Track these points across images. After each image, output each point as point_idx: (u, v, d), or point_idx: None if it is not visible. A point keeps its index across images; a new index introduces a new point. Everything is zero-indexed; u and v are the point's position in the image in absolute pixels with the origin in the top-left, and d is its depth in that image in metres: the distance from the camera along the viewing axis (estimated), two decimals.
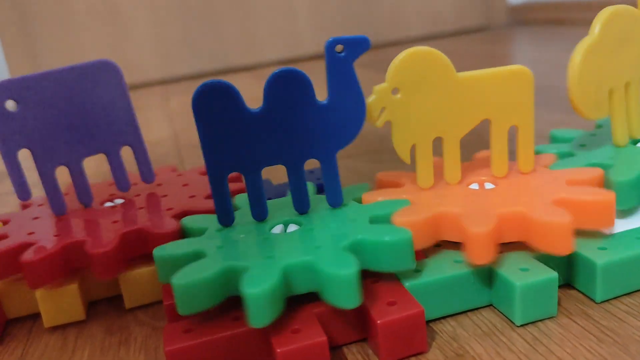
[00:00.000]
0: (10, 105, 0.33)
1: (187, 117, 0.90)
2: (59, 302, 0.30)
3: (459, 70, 0.30)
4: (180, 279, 0.23)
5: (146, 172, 0.37)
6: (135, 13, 1.45)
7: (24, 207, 0.39)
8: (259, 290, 0.22)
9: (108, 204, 0.36)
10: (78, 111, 0.34)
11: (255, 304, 0.22)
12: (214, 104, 0.26)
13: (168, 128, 0.84)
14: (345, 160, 0.54)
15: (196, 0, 1.48)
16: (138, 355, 0.27)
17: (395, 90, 0.29)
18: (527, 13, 1.67)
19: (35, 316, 0.32)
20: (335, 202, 0.29)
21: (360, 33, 1.61)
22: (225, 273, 0.24)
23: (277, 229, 0.28)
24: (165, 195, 0.36)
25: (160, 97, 1.22)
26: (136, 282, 0.31)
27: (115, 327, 0.30)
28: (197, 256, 0.26)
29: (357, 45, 0.28)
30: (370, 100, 0.29)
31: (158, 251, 0.27)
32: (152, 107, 1.07)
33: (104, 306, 0.32)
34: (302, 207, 0.29)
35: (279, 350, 0.22)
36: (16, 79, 0.33)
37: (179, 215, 0.33)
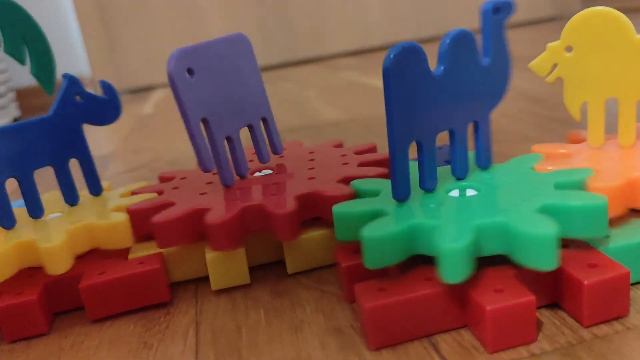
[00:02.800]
0: (189, 73, 0.33)
1: (275, 102, 0.91)
2: (227, 266, 0.30)
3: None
4: (370, 232, 0.24)
5: (277, 144, 0.37)
6: (210, 7, 1.47)
7: (163, 180, 0.40)
8: (456, 245, 0.22)
9: (258, 174, 0.37)
10: (231, 82, 0.35)
11: (451, 259, 0.22)
12: (406, 68, 0.26)
13: None
14: None
15: None
16: (316, 315, 0.27)
17: (568, 48, 0.29)
18: (602, 2, 1.61)
19: (197, 280, 0.33)
20: (487, 163, 0.29)
21: (431, 24, 1.59)
22: (413, 230, 0.24)
23: (454, 193, 0.28)
24: (312, 167, 0.36)
25: None
26: (300, 247, 0.31)
27: (281, 291, 0.30)
28: (377, 215, 0.26)
29: (509, 8, 0.29)
30: (541, 56, 0.29)
31: (338, 208, 0.27)
32: None
33: (262, 272, 0.32)
34: (464, 172, 0.29)
35: (488, 308, 0.22)
36: (189, 47, 0.32)
37: (302, 197, 0.31)
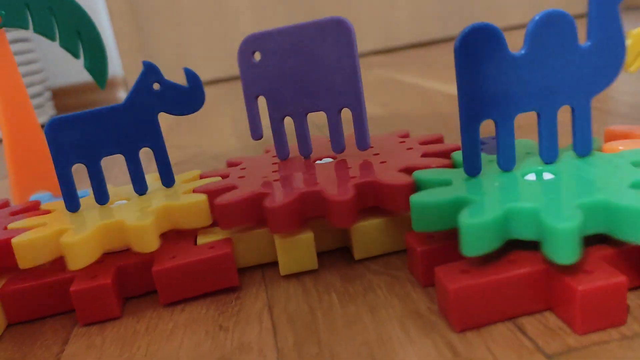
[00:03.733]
0: (256, 56, 0.35)
1: None
2: (295, 251, 0.30)
3: None
4: (469, 218, 0.23)
5: (361, 139, 0.36)
6: (240, 7, 1.48)
7: (267, 151, 0.42)
8: (571, 224, 0.22)
9: (318, 162, 0.37)
10: (308, 67, 0.35)
11: (567, 239, 0.22)
12: (479, 46, 0.26)
13: None
14: None
15: None
16: (391, 299, 0.27)
17: None
18: None
19: (262, 266, 0.33)
20: (586, 150, 0.28)
21: (459, 22, 1.58)
22: (511, 214, 0.24)
23: (531, 177, 0.28)
24: (377, 154, 0.36)
25: None
26: (367, 233, 0.31)
27: (351, 276, 0.30)
28: (459, 203, 0.26)
29: None
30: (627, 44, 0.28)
31: (416, 198, 0.27)
32: None
33: (327, 258, 0.32)
34: (552, 156, 0.28)
35: (580, 289, 0.22)
36: (261, 33, 0.35)
37: (361, 186, 0.31)
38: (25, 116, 0.45)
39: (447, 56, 1.23)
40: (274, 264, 0.33)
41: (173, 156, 0.67)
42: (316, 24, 0.34)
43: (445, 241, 0.27)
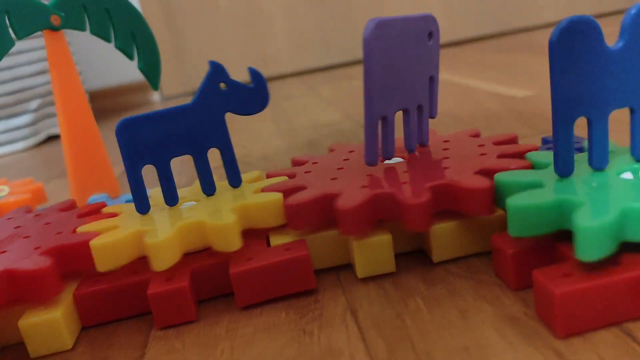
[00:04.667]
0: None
1: (346, 102, 0.91)
2: (373, 254, 0.30)
3: None
4: (587, 221, 0.22)
5: (424, 135, 0.36)
6: (273, 9, 1.48)
7: (331, 150, 0.41)
8: (592, 224, 0.21)
9: (388, 161, 0.36)
10: (406, 62, 0.33)
11: (588, 237, 0.21)
12: (577, 40, 0.25)
13: (335, 111, 0.84)
14: None
15: None
16: (480, 304, 0.26)
17: None
18: None
19: (335, 268, 0.32)
20: None
21: (493, 21, 1.56)
22: (561, 204, 0.24)
23: (627, 176, 0.27)
24: (439, 162, 0.35)
25: (305, 87, 1.23)
26: (446, 235, 0.30)
27: (433, 279, 0.29)
28: (563, 205, 0.25)
29: None
30: None
31: (514, 201, 0.25)
32: (304, 96, 1.09)
33: (403, 260, 0.32)
34: None
35: None
36: (389, 19, 0.31)
37: (437, 188, 0.30)
38: (84, 118, 0.45)
39: (482, 55, 1.21)
40: (347, 266, 0.32)
41: (218, 157, 0.67)
42: (423, 19, 0.33)
43: (537, 243, 0.26)
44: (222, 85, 0.33)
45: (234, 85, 0.34)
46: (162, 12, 1.43)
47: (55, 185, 0.70)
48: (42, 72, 1.10)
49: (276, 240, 0.32)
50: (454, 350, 0.23)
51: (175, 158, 0.34)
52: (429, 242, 0.30)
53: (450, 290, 0.28)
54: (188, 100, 1.39)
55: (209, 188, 0.34)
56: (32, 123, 1.09)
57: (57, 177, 0.75)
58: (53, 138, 1.16)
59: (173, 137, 0.33)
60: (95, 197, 0.47)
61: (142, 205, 0.33)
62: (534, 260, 0.26)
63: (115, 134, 0.32)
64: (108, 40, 0.47)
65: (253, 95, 0.34)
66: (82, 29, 0.46)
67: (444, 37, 1.55)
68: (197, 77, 1.47)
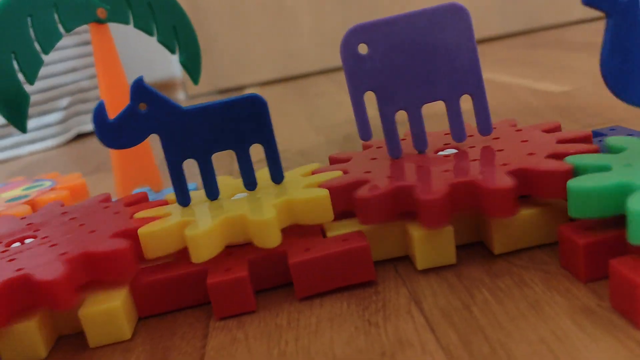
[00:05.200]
0: (362, 48, 0.33)
1: None
2: (434, 245, 0.29)
3: None
4: (577, 182, 0.24)
5: (484, 124, 0.35)
6: (299, 6, 1.48)
7: (365, 147, 0.40)
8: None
9: (441, 152, 0.35)
10: (423, 56, 0.34)
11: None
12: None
13: (369, 108, 0.84)
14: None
15: None
16: (551, 295, 0.25)
17: None
18: None
19: (392, 260, 0.31)
20: None
21: (520, 17, 1.54)
22: (620, 188, 0.24)
23: None
24: (501, 150, 0.34)
25: (334, 84, 1.22)
26: (508, 226, 0.29)
27: (497, 271, 0.28)
28: (622, 188, 0.24)
29: None
30: None
31: (575, 183, 0.25)
32: (336, 93, 1.08)
33: (462, 252, 0.31)
34: None
35: None
36: (368, 23, 0.33)
37: (514, 173, 0.29)
38: None
39: (512, 51, 1.20)
40: (403, 258, 0.32)
41: (257, 151, 0.67)
42: (431, 12, 0.33)
43: (608, 232, 0.25)
44: None
45: None
46: (190, 9, 1.44)
47: (90, 181, 0.70)
48: (73, 70, 1.11)
49: (332, 231, 0.31)
50: (530, 342, 0.22)
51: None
52: (490, 233, 0.30)
53: (517, 281, 0.27)
54: (214, 99, 1.39)
55: (251, 183, 0.34)
56: (63, 121, 1.10)
57: (91, 173, 0.76)
58: (82, 136, 1.17)
59: (216, 132, 0.32)
60: (138, 191, 0.47)
61: (183, 198, 0.33)
62: (605, 252, 0.25)
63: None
64: (151, 33, 0.47)
65: None
66: (127, 22, 0.46)
67: None
68: (223, 75, 1.47)
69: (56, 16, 0.41)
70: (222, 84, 1.49)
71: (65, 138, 1.11)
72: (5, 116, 0.38)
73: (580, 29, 1.39)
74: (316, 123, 0.79)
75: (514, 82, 0.81)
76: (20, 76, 0.38)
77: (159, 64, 1.46)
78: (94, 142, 1.08)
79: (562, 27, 1.52)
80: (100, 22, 0.43)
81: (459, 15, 0.33)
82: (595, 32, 1.26)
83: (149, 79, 1.48)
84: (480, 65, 0.34)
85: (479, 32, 1.53)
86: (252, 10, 1.46)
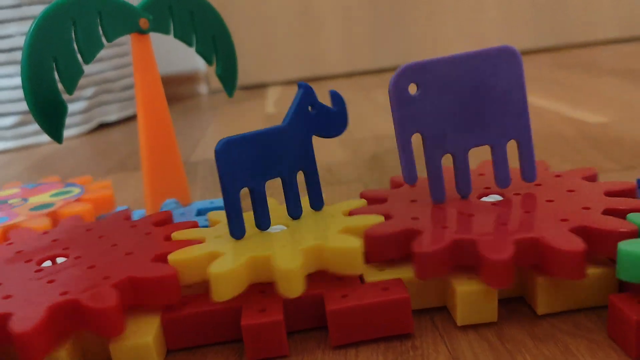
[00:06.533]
0: (411, 88, 0.32)
1: None
2: (477, 301, 0.28)
3: None
4: (627, 245, 0.24)
5: (529, 171, 0.34)
6: (325, 9, 1.47)
7: (394, 183, 0.39)
8: None
9: (485, 198, 0.34)
10: (474, 99, 0.33)
11: None
12: None
13: None
14: None
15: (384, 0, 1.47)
16: None
17: None
18: None
19: (429, 310, 0.31)
20: None
21: (550, 34, 1.52)
22: None
23: None
24: (551, 201, 0.33)
25: (358, 90, 1.21)
26: (555, 286, 0.28)
27: (540, 335, 0.27)
28: None
29: None
30: None
31: (625, 246, 0.24)
32: (359, 101, 1.07)
33: (502, 309, 0.30)
34: None
35: None
36: (420, 63, 0.32)
37: (576, 231, 0.28)
38: (164, 125, 0.44)
39: (541, 70, 1.18)
40: (440, 308, 0.31)
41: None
42: (485, 54, 0.32)
43: None
44: (309, 108, 0.33)
45: (321, 109, 0.34)
46: (215, 5, 1.43)
47: (115, 180, 0.70)
48: (99, 60, 1.11)
49: (371, 276, 0.30)
50: None
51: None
52: (535, 292, 0.29)
53: (562, 349, 0.26)
54: (240, 94, 1.37)
55: (296, 212, 0.33)
56: (86, 110, 1.10)
57: (115, 170, 0.75)
58: (104, 126, 1.17)
59: (268, 159, 0.32)
60: (167, 203, 0.46)
61: (238, 230, 0.32)
62: None
63: (215, 155, 0.31)
64: (190, 44, 0.47)
65: (336, 118, 0.34)
66: (167, 32, 0.45)
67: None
68: (246, 71, 1.46)
69: (99, 24, 0.40)
70: (246, 80, 1.48)
71: (88, 128, 1.11)
72: (41, 126, 0.37)
73: (612, 50, 1.37)
74: (342, 137, 0.78)
75: (546, 107, 0.80)
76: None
77: (181, 56, 1.45)
78: (116, 133, 1.08)
79: (592, 45, 1.50)
80: (141, 32, 0.43)
81: (512, 59, 0.32)
82: (628, 54, 1.24)
83: (171, 71, 1.47)
84: (528, 111, 0.33)
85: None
86: (277, 10, 1.46)
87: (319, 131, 0.34)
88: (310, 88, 0.33)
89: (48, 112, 0.37)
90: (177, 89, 1.51)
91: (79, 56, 0.39)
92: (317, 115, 0.34)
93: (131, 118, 1.22)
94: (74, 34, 0.38)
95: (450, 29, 1.50)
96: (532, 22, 1.50)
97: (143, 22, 0.42)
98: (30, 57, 0.35)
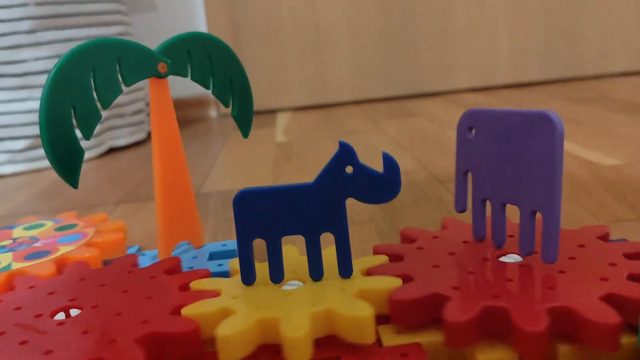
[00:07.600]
0: (471, 130, 0.36)
1: (414, 145, 0.89)
2: None
3: None
4: None
5: (550, 251, 0.31)
6: (337, 35, 1.48)
7: (404, 237, 0.40)
8: None
9: (503, 258, 0.34)
10: (510, 156, 0.33)
11: None
12: None
13: (406, 155, 0.83)
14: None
15: (394, 25, 1.48)
16: None
17: None
18: None
19: None
20: None
21: (563, 65, 1.52)
22: None
23: None
24: (572, 258, 0.32)
25: (367, 118, 1.22)
26: (574, 357, 0.28)
27: None
28: None
29: None
30: None
31: None
32: (369, 131, 1.07)
33: None
34: None
35: None
36: (479, 110, 0.35)
37: (608, 299, 0.28)
38: (179, 168, 0.44)
39: (551, 102, 1.18)
40: None
41: None
42: (526, 115, 0.32)
43: None
44: (348, 168, 0.31)
45: (361, 170, 0.31)
46: (229, 27, 1.44)
47: (125, 211, 0.70)
48: None
49: (389, 339, 0.30)
50: None
51: None
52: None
53: None
54: None
55: (317, 274, 0.33)
56: (97, 134, 1.11)
57: (127, 199, 0.75)
58: (114, 150, 1.17)
59: (289, 214, 0.32)
60: (179, 245, 0.46)
61: (249, 277, 0.32)
62: None
63: (233, 204, 0.31)
64: (207, 87, 0.47)
65: (382, 183, 0.31)
66: (185, 75, 0.45)
67: (510, 78, 1.52)
68: (256, 97, 1.47)
69: (118, 71, 0.40)
70: (255, 106, 1.49)
71: (98, 152, 1.11)
72: (58, 172, 0.37)
73: (623, 82, 1.37)
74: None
75: None
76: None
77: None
78: (126, 158, 1.08)
79: (602, 78, 1.50)
80: (160, 77, 0.43)
81: (546, 126, 0.31)
82: None
83: (181, 94, 1.48)
84: (561, 184, 0.32)
85: (516, 77, 1.51)
86: (289, 36, 1.47)
87: (357, 195, 0.31)
88: (350, 148, 0.31)
89: (65, 159, 0.37)
90: (187, 112, 1.52)
91: (97, 102, 0.39)
92: (356, 177, 0.31)
93: (141, 142, 1.22)
94: (93, 81, 0.38)
95: (461, 58, 1.51)
96: (544, 52, 1.51)
97: (161, 67, 0.42)
98: (49, 107, 0.35)
